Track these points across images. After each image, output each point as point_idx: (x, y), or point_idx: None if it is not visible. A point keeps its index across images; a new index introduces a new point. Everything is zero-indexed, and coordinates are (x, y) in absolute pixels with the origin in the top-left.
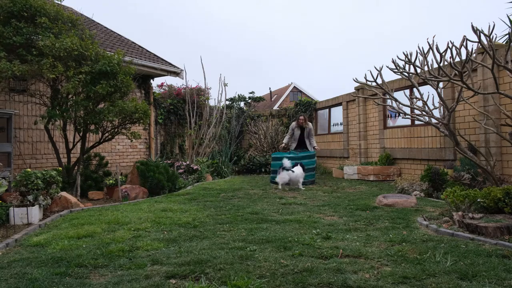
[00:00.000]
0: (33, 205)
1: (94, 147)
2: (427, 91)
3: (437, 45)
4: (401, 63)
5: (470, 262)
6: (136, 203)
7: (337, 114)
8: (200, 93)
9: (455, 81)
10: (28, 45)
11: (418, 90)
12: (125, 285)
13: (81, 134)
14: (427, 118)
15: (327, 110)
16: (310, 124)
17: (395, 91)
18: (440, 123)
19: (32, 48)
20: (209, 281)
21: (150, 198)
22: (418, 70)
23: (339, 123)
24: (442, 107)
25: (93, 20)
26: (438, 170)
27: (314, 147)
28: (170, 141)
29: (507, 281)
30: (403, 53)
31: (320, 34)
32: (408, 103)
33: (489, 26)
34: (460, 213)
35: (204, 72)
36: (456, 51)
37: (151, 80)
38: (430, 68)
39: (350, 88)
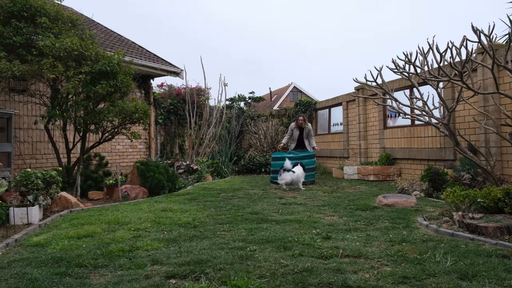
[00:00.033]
0: (33, 205)
1: (94, 147)
2: (427, 91)
3: (437, 45)
4: (401, 63)
5: (470, 262)
6: (136, 203)
7: (337, 114)
8: (200, 93)
9: (455, 81)
10: (28, 45)
11: (418, 90)
12: (125, 285)
13: (81, 134)
14: (427, 118)
15: (327, 110)
16: (309, 124)
17: (395, 91)
18: (440, 123)
19: (32, 48)
20: (209, 281)
21: (150, 198)
22: (418, 70)
23: (339, 123)
24: (442, 107)
25: (93, 20)
26: (438, 170)
27: (313, 147)
28: (170, 141)
29: (507, 281)
30: (403, 53)
31: (320, 34)
32: (408, 103)
33: (489, 26)
34: (460, 213)
35: (204, 72)
36: (456, 51)
37: (151, 80)
38: (430, 68)
39: (350, 88)
